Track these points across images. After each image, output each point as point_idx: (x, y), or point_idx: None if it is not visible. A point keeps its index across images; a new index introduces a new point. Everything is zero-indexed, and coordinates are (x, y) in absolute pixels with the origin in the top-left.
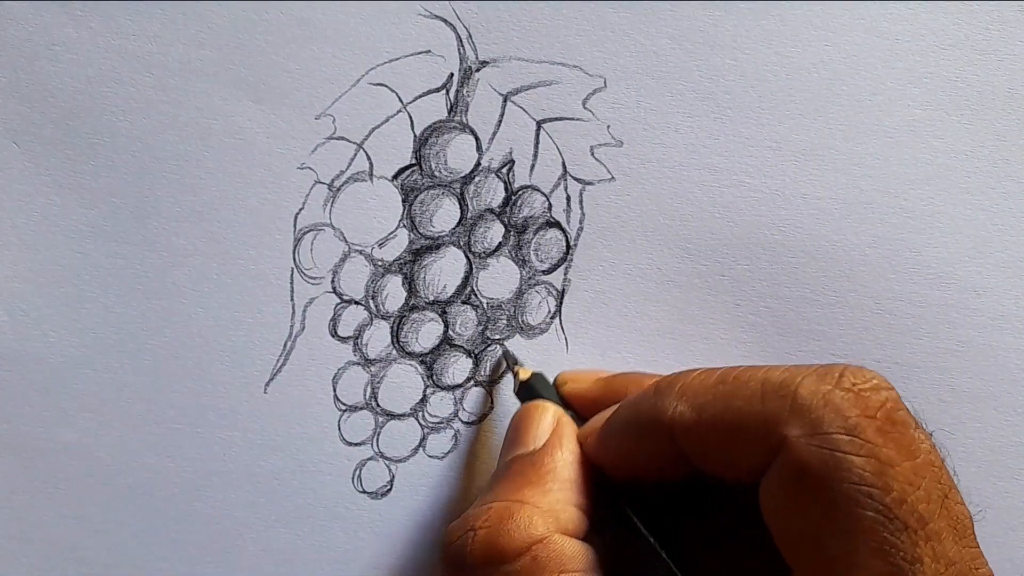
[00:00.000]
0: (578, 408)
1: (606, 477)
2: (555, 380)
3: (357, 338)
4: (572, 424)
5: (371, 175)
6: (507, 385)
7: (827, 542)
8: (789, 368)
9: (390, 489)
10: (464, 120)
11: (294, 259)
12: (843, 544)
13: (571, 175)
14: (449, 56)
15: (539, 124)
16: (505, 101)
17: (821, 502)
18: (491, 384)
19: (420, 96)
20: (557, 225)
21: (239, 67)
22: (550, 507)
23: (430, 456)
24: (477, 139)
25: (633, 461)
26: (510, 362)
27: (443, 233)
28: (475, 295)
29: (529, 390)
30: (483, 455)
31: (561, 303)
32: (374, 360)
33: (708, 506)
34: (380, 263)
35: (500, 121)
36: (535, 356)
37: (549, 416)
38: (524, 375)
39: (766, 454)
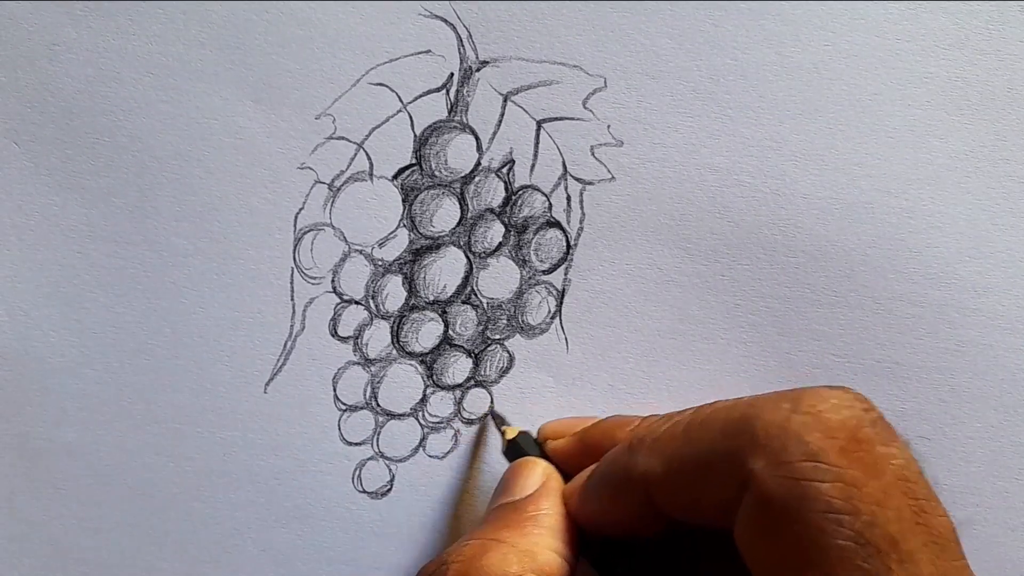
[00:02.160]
0: (562, 465)
1: (590, 535)
2: (538, 435)
3: (357, 338)
4: (560, 480)
5: (371, 175)
6: (507, 385)
7: (801, 574)
8: (750, 401)
9: (390, 489)
10: (464, 120)
11: (294, 259)
12: (816, 574)
13: (571, 175)
14: (449, 56)
15: (539, 124)
16: (505, 101)
17: (791, 534)
18: (477, 445)
19: (420, 96)
20: (557, 225)
21: (239, 67)
22: (528, 548)
23: (430, 456)
24: (477, 139)
25: (613, 519)
26: (497, 423)
27: (443, 233)
28: (475, 295)
29: (516, 449)
30: (483, 455)
31: (561, 303)
32: (374, 360)
33: (692, 556)
34: (380, 263)
35: (500, 121)
36: (535, 356)
37: (538, 470)
38: (511, 434)
39: (735, 491)
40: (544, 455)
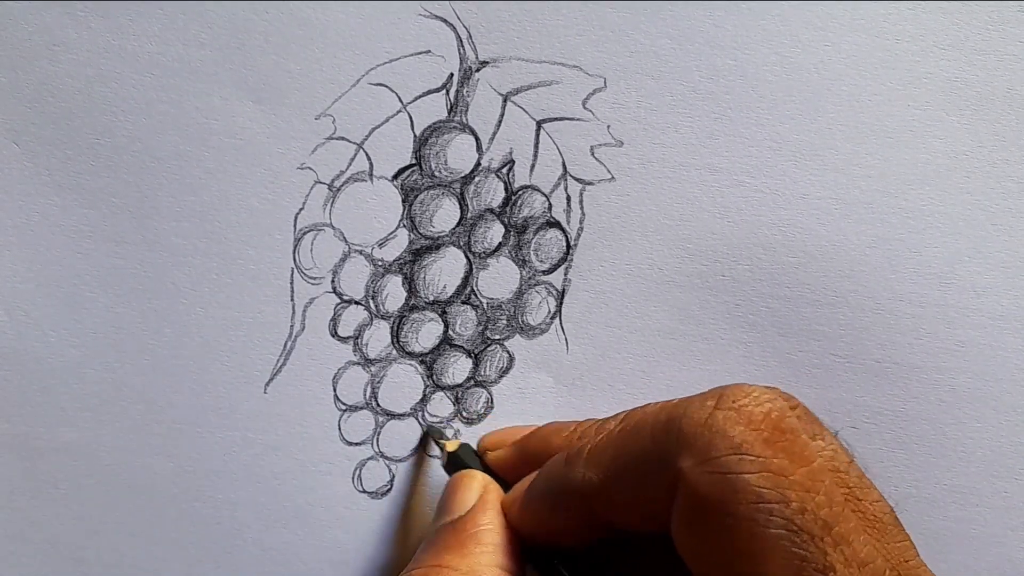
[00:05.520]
0: (503, 474)
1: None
2: (478, 446)
3: (357, 338)
4: (498, 491)
5: (371, 175)
6: (507, 385)
7: (737, 567)
8: (676, 402)
9: (390, 489)
10: (464, 120)
11: (294, 259)
12: (752, 566)
13: (571, 175)
14: (449, 56)
15: (539, 124)
16: (505, 101)
17: (723, 527)
18: (428, 441)
19: (420, 96)
20: (557, 225)
21: (239, 67)
22: (469, 569)
23: (430, 456)
24: (477, 139)
25: (555, 529)
26: (436, 436)
27: (443, 233)
28: (475, 295)
29: (456, 461)
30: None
31: (561, 303)
32: (374, 360)
33: (637, 561)
34: (380, 263)
35: (500, 121)
36: (535, 356)
37: (476, 484)
38: (451, 447)
39: (667, 493)
40: (485, 467)
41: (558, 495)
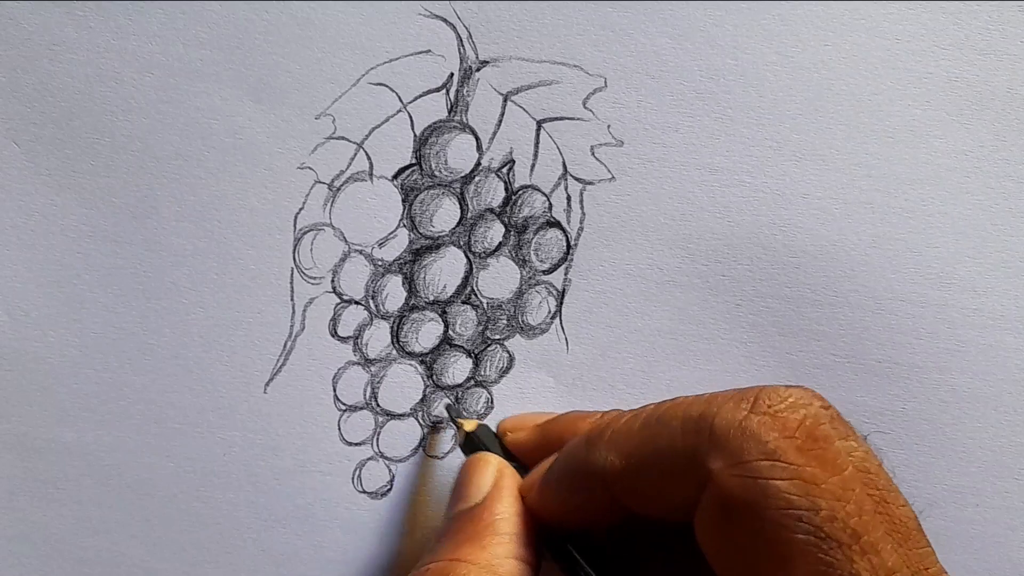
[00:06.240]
0: (521, 457)
1: (550, 527)
2: (498, 429)
3: (357, 338)
4: (514, 476)
5: (371, 175)
6: (507, 385)
7: (762, 570)
8: (709, 398)
9: (390, 489)
10: (464, 120)
11: (294, 259)
12: (777, 570)
13: (571, 175)
14: (449, 56)
15: (539, 124)
16: (505, 101)
17: (751, 532)
18: (433, 432)
19: (420, 96)
20: (557, 225)
21: (239, 67)
22: (487, 562)
23: (430, 456)
24: (477, 139)
25: (573, 511)
26: (453, 415)
27: (443, 233)
28: (475, 295)
29: (473, 442)
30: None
31: (561, 303)
32: (374, 360)
33: (654, 546)
34: (380, 263)
35: (500, 121)
36: (535, 356)
37: (490, 469)
38: (468, 427)
39: (694, 490)
40: (503, 448)
41: (578, 477)
